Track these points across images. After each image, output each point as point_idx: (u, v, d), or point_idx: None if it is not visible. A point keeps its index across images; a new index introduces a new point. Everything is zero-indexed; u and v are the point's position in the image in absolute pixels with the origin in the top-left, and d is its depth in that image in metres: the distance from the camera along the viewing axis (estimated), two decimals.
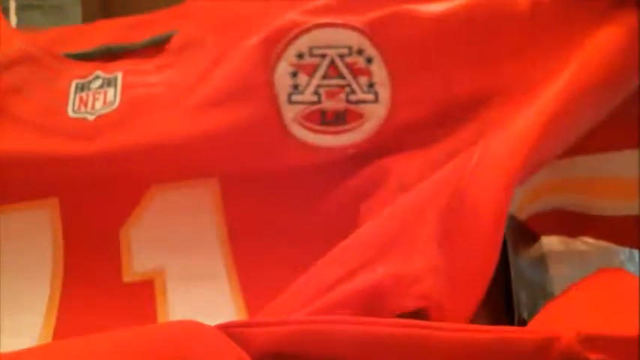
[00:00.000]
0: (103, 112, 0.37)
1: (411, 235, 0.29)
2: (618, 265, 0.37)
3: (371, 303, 0.27)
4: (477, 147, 0.30)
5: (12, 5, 1.23)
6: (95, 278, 0.37)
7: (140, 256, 0.37)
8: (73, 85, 0.39)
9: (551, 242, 0.37)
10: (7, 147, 0.35)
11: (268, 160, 0.36)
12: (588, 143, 0.35)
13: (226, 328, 0.22)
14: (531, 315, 0.32)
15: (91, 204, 0.38)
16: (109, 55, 0.42)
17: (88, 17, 0.59)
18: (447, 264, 0.27)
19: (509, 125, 0.31)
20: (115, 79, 0.39)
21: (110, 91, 0.38)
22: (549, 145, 0.31)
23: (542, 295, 0.36)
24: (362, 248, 0.30)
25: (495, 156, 0.29)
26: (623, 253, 0.39)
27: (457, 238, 0.28)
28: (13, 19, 1.23)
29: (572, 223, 0.37)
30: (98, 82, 0.39)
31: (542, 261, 0.37)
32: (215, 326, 0.23)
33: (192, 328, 0.22)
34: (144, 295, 0.36)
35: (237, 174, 0.38)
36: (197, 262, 0.37)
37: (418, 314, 0.26)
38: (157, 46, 0.41)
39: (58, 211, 0.37)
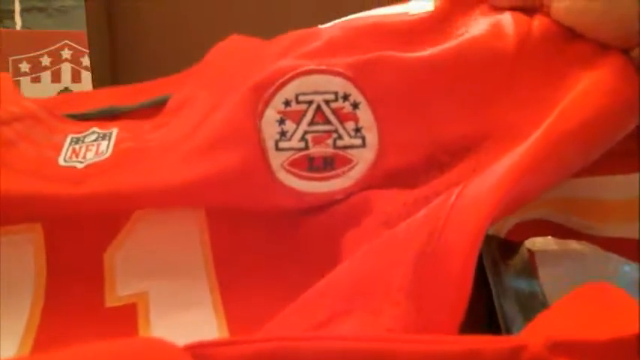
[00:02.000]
0: (93, 160, 0.37)
1: (383, 284, 0.28)
2: (615, 264, 0.37)
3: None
4: (457, 188, 0.30)
5: (16, 8, 1.24)
6: (77, 302, 0.36)
7: (124, 279, 0.36)
8: (69, 139, 0.39)
9: (538, 243, 0.37)
10: None
11: (254, 202, 0.36)
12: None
13: (193, 349, 0.22)
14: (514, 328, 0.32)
15: (75, 227, 0.37)
16: (109, 116, 0.42)
17: (92, 20, 0.59)
18: (416, 312, 0.27)
19: (491, 167, 0.31)
20: (111, 133, 0.39)
21: (104, 144, 0.38)
22: (530, 186, 0.30)
23: (534, 304, 0.36)
24: (332, 298, 0.29)
25: (471, 198, 0.28)
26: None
27: (429, 284, 0.28)
28: (18, 22, 1.24)
29: (561, 234, 0.37)
30: (93, 137, 0.39)
31: (527, 267, 0.37)
32: (184, 346, 0.22)
33: (155, 345, 0.22)
34: (126, 319, 0.35)
35: (224, 209, 0.38)
36: (182, 287, 0.36)
37: None
38: (155, 108, 0.42)
39: (41, 235, 0.37)
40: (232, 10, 0.61)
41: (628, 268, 0.39)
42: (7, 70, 1.05)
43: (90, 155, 0.36)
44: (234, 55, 0.42)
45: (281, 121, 0.35)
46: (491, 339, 0.24)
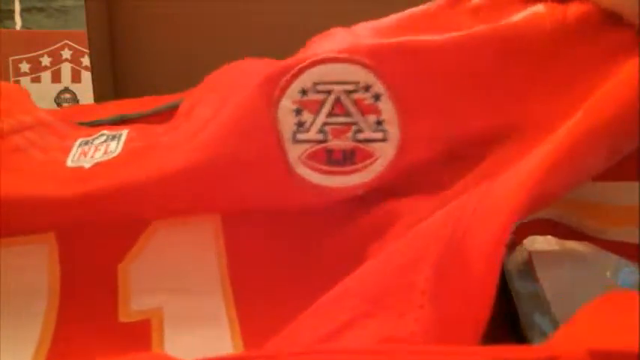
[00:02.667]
0: (101, 159, 0.36)
1: (406, 285, 0.27)
2: (615, 265, 0.37)
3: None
4: (479, 188, 0.29)
5: (16, 8, 1.24)
6: (90, 316, 0.35)
7: (138, 293, 0.35)
8: (77, 142, 0.38)
9: (538, 243, 0.37)
10: (2, 192, 0.34)
11: (272, 198, 0.34)
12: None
13: None
14: (528, 330, 0.32)
15: (89, 239, 0.36)
16: (119, 122, 0.41)
17: (92, 20, 0.59)
18: (439, 316, 0.26)
19: (516, 166, 0.29)
20: (120, 134, 0.38)
21: (113, 144, 0.37)
22: (555, 185, 0.29)
23: (534, 305, 0.35)
24: (354, 300, 0.28)
25: (495, 199, 0.27)
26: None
27: (452, 287, 0.27)
28: (18, 22, 1.24)
29: (563, 234, 0.37)
30: (102, 138, 0.38)
31: (527, 267, 0.36)
32: None
33: None
34: (139, 335, 0.34)
35: (240, 211, 0.36)
36: (196, 302, 0.35)
37: None
38: (166, 115, 0.41)
39: (55, 246, 0.36)
40: (232, 9, 0.61)
41: (628, 269, 0.39)
42: (7, 70, 1.05)
43: (98, 155, 0.35)
44: (245, 65, 0.41)
45: (298, 112, 0.33)
46: (521, 349, 0.23)
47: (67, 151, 0.37)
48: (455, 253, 0.27)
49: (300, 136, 0.33)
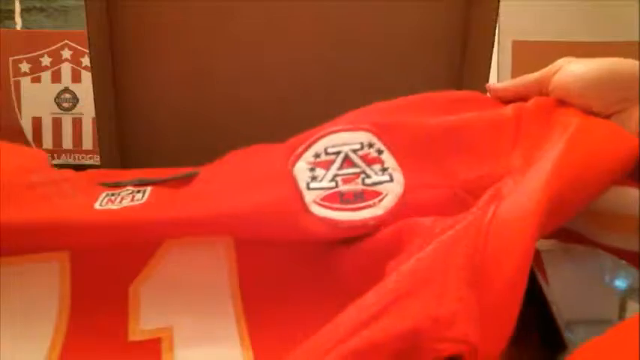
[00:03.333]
0: (129, 205, 0.37)
1: (441, 276, 0.28)
2: (615, 267, 0.37)
3: (406, 349, 0.26)
4: (492, 205, 0.31)
5: (16, 8, 1.24)
6: (99, 335, 0.35)
7: (148, 313, 0.36)
8: (104, 194, 0.40)
9: (541, 245, 0.37)
10: (23, 216, 0.35)
11: (287, 234, 0.37)
12: None
13: None
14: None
15: (102, 259, 0.37)
16: (139, 184, 0.43)
17: (92, 20, 0.59)
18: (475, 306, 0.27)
19: (524, 182, 0.32)
20: (145, 190, 0.40)
21: (139, 195, 0.39)
22: (570, 197, 0.31)
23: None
24: (394, 284, 0.29)
25: (512, 210, 0.29)
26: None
27: (482, 284, 0.27)
28: (18, 22, 1.24)
29: (565, 236, 0.37)
30: (129, 191, 0.40)
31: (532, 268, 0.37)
32: None
33: None
34: (150, 353, 0.34)
35: (256, 242, 0.37)
36: (207, 321, 0.35)
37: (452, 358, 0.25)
38: (183, 181, 0.43)
39: (68, 264, 0.36)
40: (232, 9, 0.61)
41: (625, 273, 0.39)
42: (7, 70, 1.05)
43: (125, 202, 0.37)
44: (261, 148, 0.44)
45: (312, 169, 0.37)
46: None
47: (94, 198, 0.38)
48: (479, 264, 0.27)
49: (314, 185, 0.37)
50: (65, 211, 0.36)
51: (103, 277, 0.36)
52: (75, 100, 1.06)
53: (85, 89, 1.02)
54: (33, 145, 1.04)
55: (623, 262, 0.36)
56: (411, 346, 0.25)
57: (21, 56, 1.06)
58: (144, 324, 0.35)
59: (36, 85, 1.06)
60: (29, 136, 1.04)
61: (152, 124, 0.63)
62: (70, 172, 0.43)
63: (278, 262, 0.38)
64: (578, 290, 0.36)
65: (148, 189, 0.40)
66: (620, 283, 0.38)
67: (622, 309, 0.39)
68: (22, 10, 1.21)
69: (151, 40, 0.62)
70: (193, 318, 0.35)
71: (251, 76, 0.63)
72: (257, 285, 0.37)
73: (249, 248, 0.37)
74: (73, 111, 1.06)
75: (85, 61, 1.03)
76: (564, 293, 0.33)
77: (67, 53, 1.07)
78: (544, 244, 0.38)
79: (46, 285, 0.36)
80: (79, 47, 1.05)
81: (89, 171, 0.45)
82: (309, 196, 0.36)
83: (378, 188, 0.37)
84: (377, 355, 0.25)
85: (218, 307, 0.36)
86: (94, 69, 0.61)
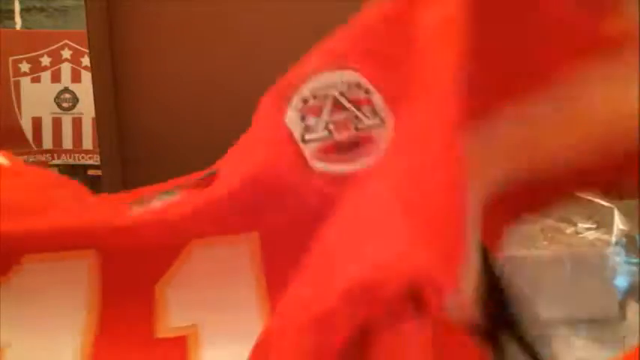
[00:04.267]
0: (159, 205, 0.38)
1: (383, 225, 0.29)
2: (614, 265, 0.37)
3: (367, 297, 0.27)
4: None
5: (16, 8, 1.24)
6: (128, 331, 0.36)
7: (175, 311, 0.36)
8: (131, 203, 0.41)
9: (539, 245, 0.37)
10: (51, 221, 0.36)
11: (296, 194, 0.37)
12: None
13: None
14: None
15: (129, 258, 0.37)
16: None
17: (92, 20, 0.59)
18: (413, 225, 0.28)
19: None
20: (174, 192, 0.41)
21: (167, 197, 0.39)
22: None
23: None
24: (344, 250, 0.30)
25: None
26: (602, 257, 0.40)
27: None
28: (18, 22, 1.24)
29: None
30: (157, 196, 0.41)
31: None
32: None
33: None
34: (176, 350, 0.35)
35: (278, 227, 0.38)
36: (233, 318, 0.36)
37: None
38: (205, 181, 0.44)
39: (96, 262, 0.37)
40: (232, 9, 0.61)
41: (626, 269, 0.39)
42: (7, 70, 1.05)
43: (155, 204, 0.37)
44: None
45: (303, 118, 0.37)
46: None
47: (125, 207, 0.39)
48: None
49: (309, 137, 0.36)
50: (98, 213, 0.37)
51: (131, 275, 0.37)
52: (75, 100, 1.06)
53: (85, 89, 1.03)
54: (33, 145, 1.04)
55: (623, 263, 0.36)
56: (372, 295, 0.25)
57: (21, 56, 1.06)
58: (171, 321, 0.36)
59: (36, 85, 1.06)
60: (29, 136, 1.04)
61: (152, 123, 0.63)
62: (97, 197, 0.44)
63: (303, 255, 0.38)
64: (580, 289, 0.36)
65: (177, 192, 0.41)
66: (621, 282, 0.38)
67: (622, 308, 0.39)
68: (22, 10, 1.21)
69: (151, 40, 0.62)
70: (219, 315, 0.36)
71: (251, 76, 0.63)
72: (283, 281, 0.37)
73: (273, 244, 0.38)
74: (73, 111, 1.06)
75: (85, 61, 1.03)
76: (564, 293, 0.33)
77: (66, 53, 1.07)
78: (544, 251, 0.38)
79: (74, 284, 0.36)
80: (79, 47, 1.05)
81: (114, 195, 0.46)
82: (307, 150, 0.37)
83: (371, 132, 0.37)
84: (338, 323, 0.25)
85: (243, 304, 0.36)
86: (94, 69, 0.61)
